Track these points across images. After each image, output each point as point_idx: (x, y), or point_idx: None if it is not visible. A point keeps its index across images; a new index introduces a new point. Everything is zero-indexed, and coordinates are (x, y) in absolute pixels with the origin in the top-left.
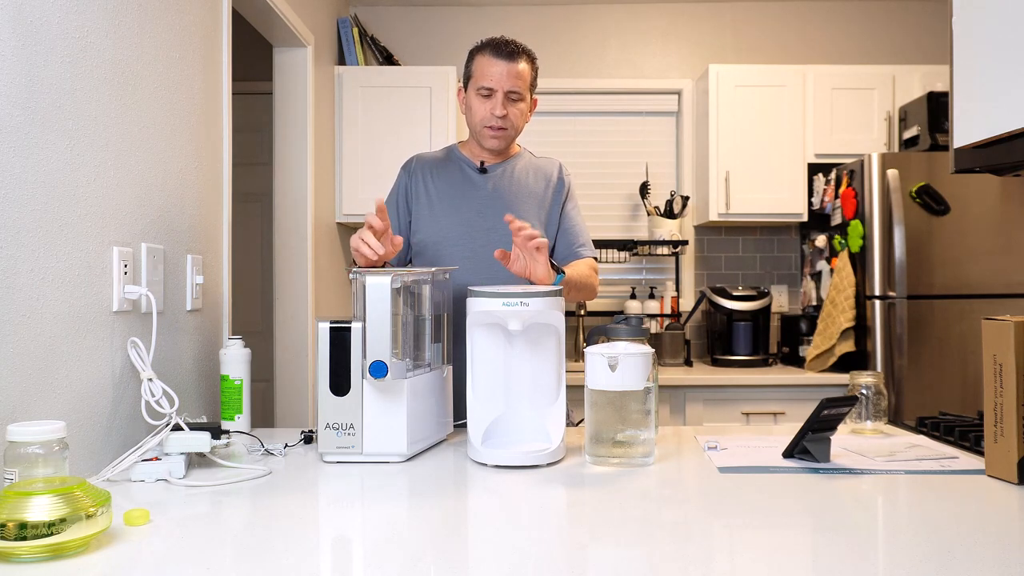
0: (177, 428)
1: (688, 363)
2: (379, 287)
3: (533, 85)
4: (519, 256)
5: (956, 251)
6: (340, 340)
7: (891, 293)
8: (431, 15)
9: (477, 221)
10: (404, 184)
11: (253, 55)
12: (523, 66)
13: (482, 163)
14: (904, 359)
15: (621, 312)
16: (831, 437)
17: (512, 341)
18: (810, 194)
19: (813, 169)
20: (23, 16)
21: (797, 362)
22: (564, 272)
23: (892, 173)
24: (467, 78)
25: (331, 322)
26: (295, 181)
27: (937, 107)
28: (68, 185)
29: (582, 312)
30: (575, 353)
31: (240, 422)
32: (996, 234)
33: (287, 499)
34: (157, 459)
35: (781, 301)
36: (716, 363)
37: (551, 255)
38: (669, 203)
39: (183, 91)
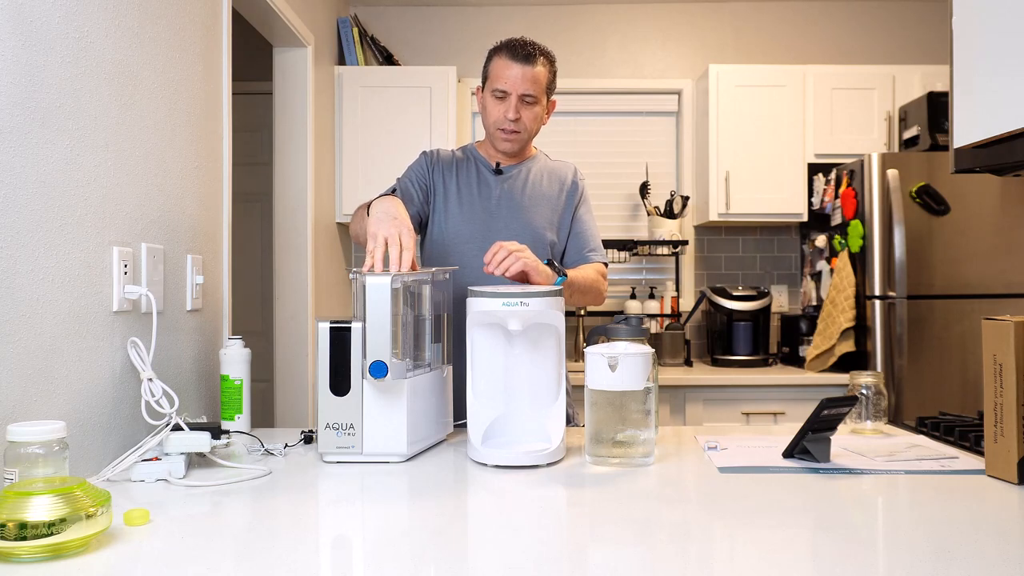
0: (177, 428)
1: (688, 363)
2: (379, 287)
3: (550, 87)
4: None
5: (956, 251)
6: (340, 340)
7: (891, 293)
8: (431, 15)
9: (490, 221)
10: (426, 169)
11: (253, 55)
12: (539, 69)
13: (498, 164)
14: (904, 359)
15: (621, 312)
16: (831, 437)
17: (512, 341)
18: (810, 194)
19: (813, 169)
20: (23, 16)
21: (797, 362)
22: (566, 275)
23: (892, 173)
24: (484, 78)
25: (331, 322)
26: (295, 181)
27: (937, 107)
28: (68, 185)
29: (582, 312)
30: (575, 353)
31: (240, 422)
32: (996, 234)
33: (287, 499)
34: (157, 459)
35: (781, 301)
36: (716, 363)
37: (561, 258)
38: (669, 203)
39: (183, 91)
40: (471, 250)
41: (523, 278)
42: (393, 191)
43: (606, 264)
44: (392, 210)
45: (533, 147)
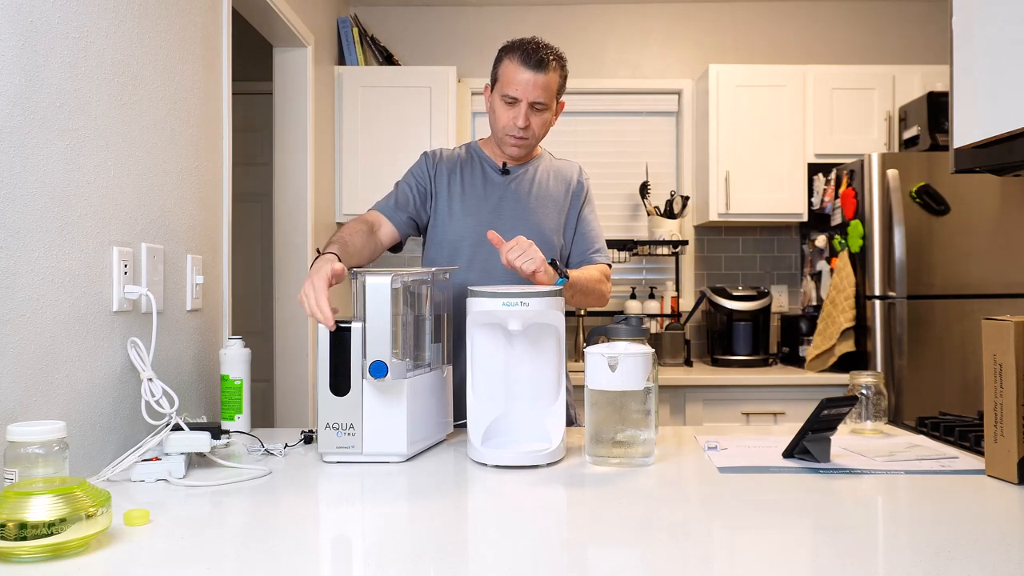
0: (177, 428)
1: (688, 363)
2: (379, 287)
3: (560, 91)
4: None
5: (956, 251)
6: (340, 340)
7: (891, 293)
8: (431, 15)
9: (497, 222)
10: (426, 172)
11: (253, 55)
12: (551, 75)
13: (504, 164)
14: (904, 359)
15: (621, 312)
16: (831, 437)
17: (512, 341)
18: (810, 194)
19: (813, 169)
20: (23, 16)
21: (797, 362)
22: (568, 276)
23: (892, 173)
24: (494, 80)
25: None
26: (295, 181)
27: (937, 107)
28: (68, 185)
29: (582, 312)
30: (575, 353)
31: (240, 422)
32: (996, 234)
33: (287, 499)
34: (157, 459)
35: (781, 301)
36: (716, 363)
37: (567, 259)
38: (669, 203)
39: (183, 91)
40: (479, 252)
41: (529, 275)
42: (393, 199)
43: (610, 265)
44: (315, 267)
45: (538, 146)
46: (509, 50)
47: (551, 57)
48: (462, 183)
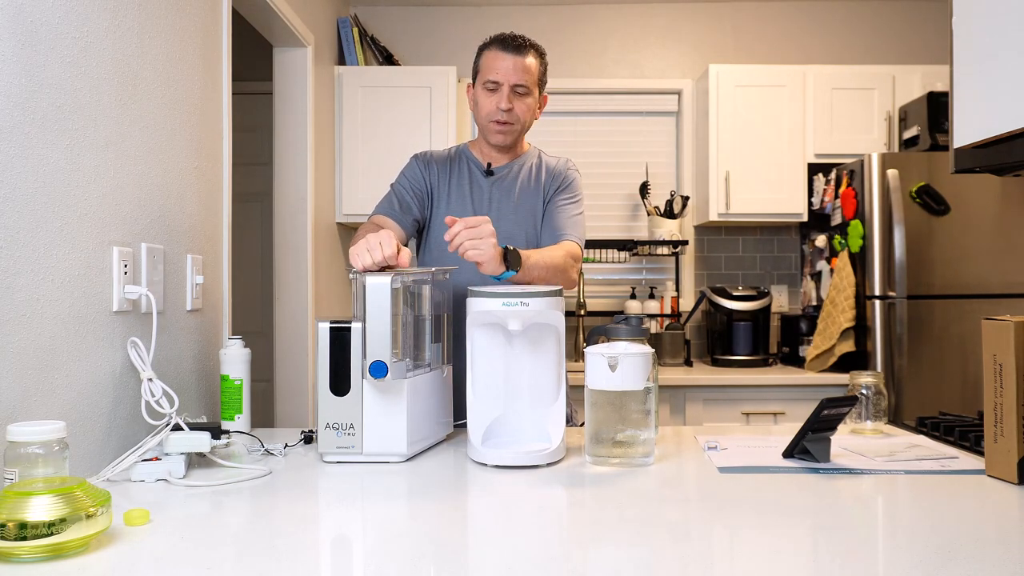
0: (177, 428)
1: (688, 363)
2: (379, 287)
3: (542, 81)
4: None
5: (956, 251)
6: (340, 340)
7: (891, 293)
8: (431, 15)
9: None
10: (420, 174)
11: (253, 55)
12: (530, 60)
13: (489, 165)
14: (904, 359)
15: (621, 312)
16: (831, 437)
17: (512, 341)
18: (810, 194)
19: (813, 169)
20: (23, 16)
21: (797, 362)
22: (517, 269)
23: (892, 173)
24: (475, 73)
25: (331, 322)
26: (295, 181)
27: (937, 107)
28: (68, 185)
29: (582, 312)
30: (575, 353)
31: (240, 422)
32: (996, 234)
33: (287, 499)
34: (157, 459)
35: (781, 301)
36: (716, 363)
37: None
38: (669, 203)
39: (183, 91)
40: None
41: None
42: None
43: (580, 246)
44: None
45: (527, 143)
46: (487, 44)
47: (528, 44)
48: (450, 184)
